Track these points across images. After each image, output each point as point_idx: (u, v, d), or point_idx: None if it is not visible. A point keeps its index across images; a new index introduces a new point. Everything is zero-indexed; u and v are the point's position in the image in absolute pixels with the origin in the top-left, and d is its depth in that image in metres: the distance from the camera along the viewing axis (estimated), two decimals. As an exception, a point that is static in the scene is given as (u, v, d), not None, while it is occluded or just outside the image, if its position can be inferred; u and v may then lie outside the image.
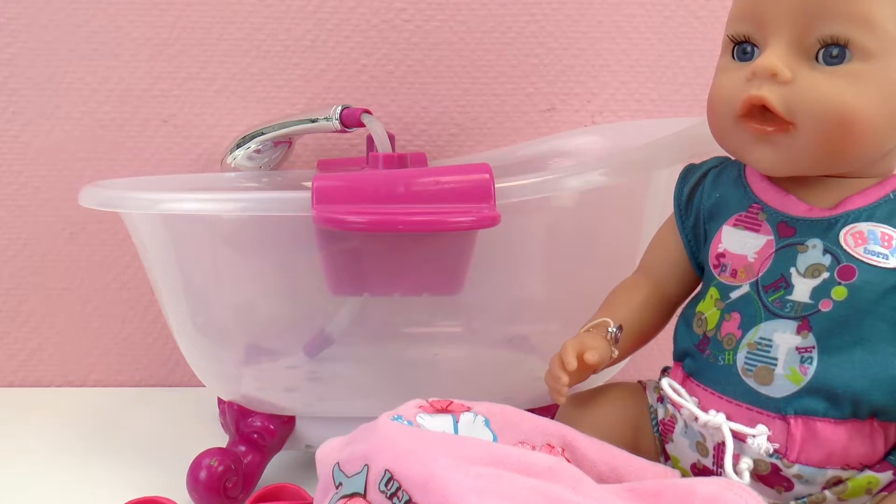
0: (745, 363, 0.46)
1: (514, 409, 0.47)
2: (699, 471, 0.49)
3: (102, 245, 0.79)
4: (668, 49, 0.75)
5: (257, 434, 0.62)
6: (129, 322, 0.81)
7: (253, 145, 0.67)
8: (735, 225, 0.49)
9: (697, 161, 0.54)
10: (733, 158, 0.50)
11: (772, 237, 0.47)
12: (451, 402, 0.46)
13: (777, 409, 0.45)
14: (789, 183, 0.48)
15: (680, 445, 0.50)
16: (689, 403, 0.48)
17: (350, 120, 0.63)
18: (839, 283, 0.45)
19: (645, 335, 0.54)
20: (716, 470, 0.48)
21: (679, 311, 0.53)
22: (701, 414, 0.47)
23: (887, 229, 0.45)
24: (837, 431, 0.45)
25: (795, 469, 0.45)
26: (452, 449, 0.40)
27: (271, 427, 0.62)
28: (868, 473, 0.45)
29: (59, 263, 0.79)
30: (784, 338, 0.45)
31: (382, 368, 0.61)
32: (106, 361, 0.82)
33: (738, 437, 0.46)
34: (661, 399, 0.52)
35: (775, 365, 0.45)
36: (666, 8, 0.74)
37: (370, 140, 0.63)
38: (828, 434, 0.45)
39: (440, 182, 0.53)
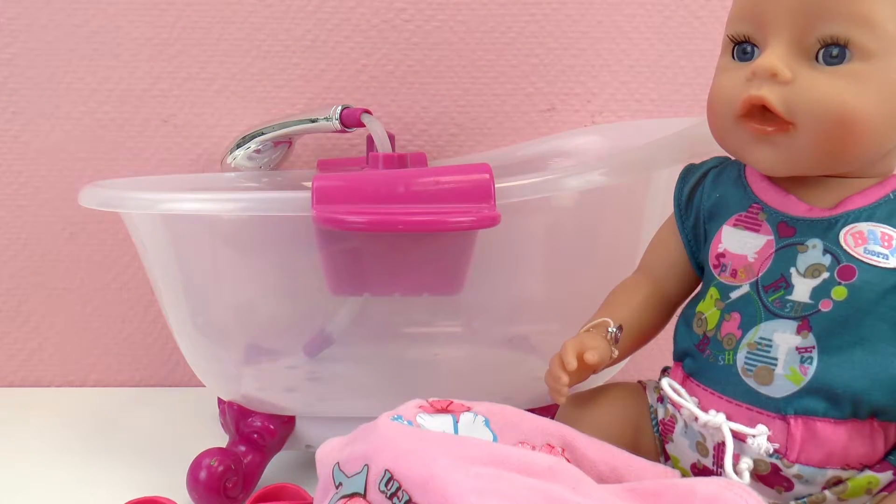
0: (745, 363, 0.46)
1: (514, 409, 0.47)
2: (699, 471, 0.49)
3: (102, 245, 0.79)
4: (668, 49, 0.75)
5: (257, 434, 0.62)
6: (129, 322, 0.81)
7: (253, 145, 0.67)
8: (735, 225, 0.49)
9: (697, 161, 0.54)
10: (733, 158, 0.50)
11: (772, 237, 0.47)
12: (451, 402, 0.46)
13: (777, 409, 0.45)
14: (789, 183, 0.48)
15: (680, 445, 0.50)
16: (689, 403, 0.48)
17: (350, 120, 0.63)
18: (839, 283, 0.45)
19: (645, 335, 0.54)
20: (716, 470, 0.48)
21: (679, 311, 0.53)
22: (701, 414, 0.47)
23: (887, 229, 0.45)
24: (837, 431, 0.45)
25: (795, 469, 0.45)
26: (452, 449, 0.40)
27: (271, 427, 0.62)
28: (868, 473, 0.45)
29: (59, 263, 0.79)
30: (784, 338, 0.45)
31: (382, 368, 0.61)
32: (106, 361, 0.82)
33: (738, 437, 0.46)
34: (661, 399, 0.52)
35: (775, 365, 0.45)
36: (666, 8, 0.74)
37: (370, 140, 0.63)
38: (828, 434, 0.45)
39: (440, 182, 0.53)
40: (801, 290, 0.45)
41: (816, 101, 0.43)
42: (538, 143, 0.75)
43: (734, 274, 0.48)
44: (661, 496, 0.40)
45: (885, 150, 0.46)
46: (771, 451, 0.45)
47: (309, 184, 0.53)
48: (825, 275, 0.45)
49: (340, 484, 0.41)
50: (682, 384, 0.49)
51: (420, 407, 0.45)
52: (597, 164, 0.57)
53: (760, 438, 0.45)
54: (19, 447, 0.69)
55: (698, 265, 0.52)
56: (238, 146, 0.68)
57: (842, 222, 0.46)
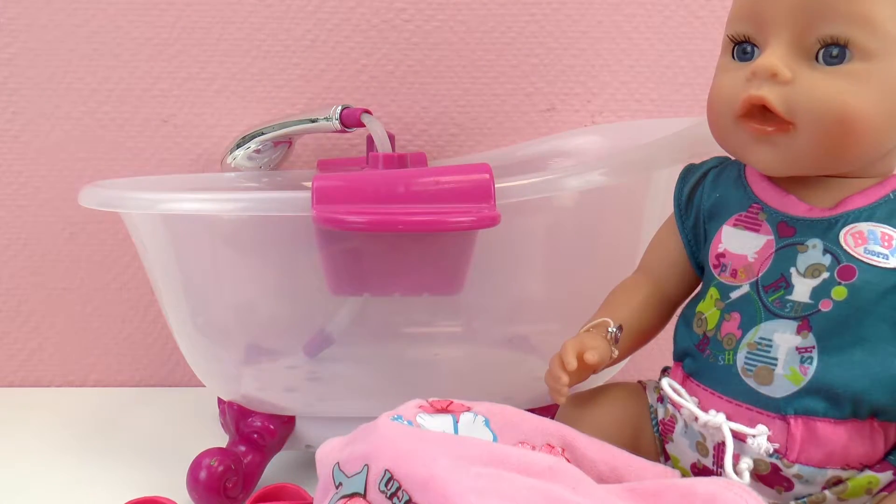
0: (745, 363, 0.46)
1: (514, 409, 0.47)
2: (699, 471, 0.49)
3: (102, 245, 0.79)
4: (668, 49, 0.75)
5: (257, 434, 0.62)
6: (129, 322, 0.81)
7: (253, 145, 0.67)
8: (735, 225, 0.49)
9: (697, 161, 0.54)
10: (733, 158, 0.50)
11: (772, 237, 0.47)
12: (451, 402, 0.46)
13: (777, 409, 0.45)
14: (789, 183, 0.48)
15: (680, 445, 0.50)
16: (689, 403, 0.48)
17: (350, 120, 0.63)
18: (839, 283, 0.45)
19: (645, 335, 0.54)
20: (716, 470, 0.48)
21: (679, 311, 0.53)
22: (701, 414, 0.47)
23: (887, 229, 0.45)
24: (837, 431, 0.45)
25: (795, 469, 0.45)
26: (452, 449, 0.40)
27: (271, 427, 0.62)
28: (868, 473, 0.45)
29: (59, 263, 0.79)
30: (784, 338, 0.45)
31: (382, 368, 0.61)
32: (106, 361, 0.82)
33: (738, 437, 0.46)
34: (661, 399, 0.52)
35: (775, 365, 0.45)
36: (666, 8, 0.74)
37: (370, 140, 0.63)
38: (828, 434, 0.45)
39: (440, 182, 0.53)
40: (801, 290, 0.45)
41: (816, 101, 0.43)
42: (538, 143, 0.75)
43: (734, 274, 0.48)
44: (661, 496, 0.40)
45: (885, 149, 0.46)
46: (771, 450, 0.45)
47: (309, 184, 0.53)
48: (825, 275, 0.45)
49: (340, 484, 0.41)
50: (682, 384, 0.49)
51: (420, 407, 0.45)
52: (597, 164, 0.57)
53: (760, 438, 0.45)
54: (19, 447, 0.69)
55: (698, 265, 0.52)
56: (238, 146, 0.68)
57: (842, 222, 0.46)
